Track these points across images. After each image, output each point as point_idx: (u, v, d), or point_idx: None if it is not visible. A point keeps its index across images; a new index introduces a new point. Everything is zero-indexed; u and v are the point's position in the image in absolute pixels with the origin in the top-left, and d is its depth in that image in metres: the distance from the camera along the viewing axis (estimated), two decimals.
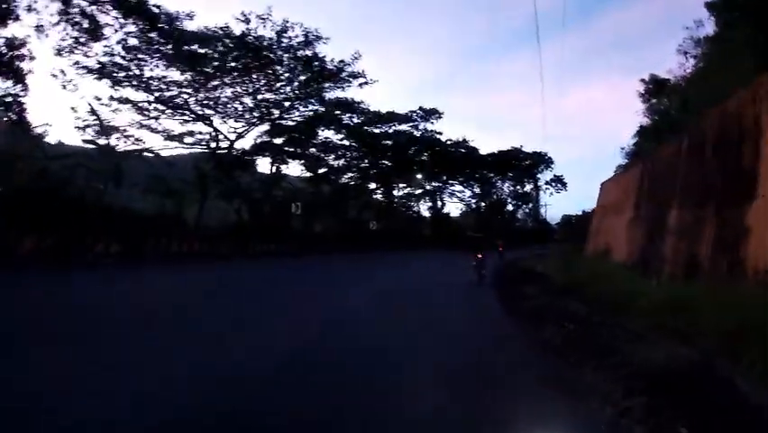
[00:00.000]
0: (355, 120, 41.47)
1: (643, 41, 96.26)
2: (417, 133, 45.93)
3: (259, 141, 37.21)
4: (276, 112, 35.90)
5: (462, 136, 50.15)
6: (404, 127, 45.58)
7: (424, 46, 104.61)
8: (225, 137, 34.77)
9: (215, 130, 34.12)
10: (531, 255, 28.75)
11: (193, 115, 33.15)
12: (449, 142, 49.26)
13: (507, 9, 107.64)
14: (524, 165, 61.61)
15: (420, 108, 44.46)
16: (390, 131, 44.87)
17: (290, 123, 37.37)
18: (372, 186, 50.12)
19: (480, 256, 13.29)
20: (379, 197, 50.98)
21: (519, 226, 68.68)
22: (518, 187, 66.95)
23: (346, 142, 43.42)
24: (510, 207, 69.78)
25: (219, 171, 31.08)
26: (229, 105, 33.73)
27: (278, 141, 39.08)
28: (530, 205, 70.66)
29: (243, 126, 35.24)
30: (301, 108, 36.34)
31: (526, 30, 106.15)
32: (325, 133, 41.66)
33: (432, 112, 44.96)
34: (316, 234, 35.82)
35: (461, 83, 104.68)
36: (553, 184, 63.10)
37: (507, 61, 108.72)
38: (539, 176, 63.44)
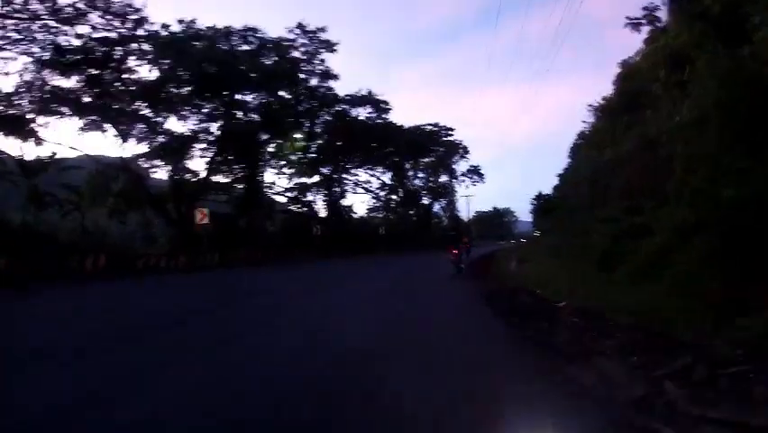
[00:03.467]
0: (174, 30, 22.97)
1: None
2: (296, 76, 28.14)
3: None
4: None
5: (368, 89, 33.64)
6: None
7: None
8: None
9: None
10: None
11: None
12: (347, 98, 32.59)
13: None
14: (440, 151, 49.54)
15: (299, 26, 26.55)
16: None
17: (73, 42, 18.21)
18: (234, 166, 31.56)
19: (456, 252, 14.50)
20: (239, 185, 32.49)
21: (435, 223, 56.11)
22: (433, 178, 54.66)
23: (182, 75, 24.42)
24: (425, 201, 56.61)
25: None
26: None
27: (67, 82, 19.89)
28: (446, 199, 58.54)
29: None
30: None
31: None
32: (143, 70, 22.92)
33: (323, 42, 27.37)
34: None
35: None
36: (470, 175, 52.90)
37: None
38: (454, 166, 53.19)
